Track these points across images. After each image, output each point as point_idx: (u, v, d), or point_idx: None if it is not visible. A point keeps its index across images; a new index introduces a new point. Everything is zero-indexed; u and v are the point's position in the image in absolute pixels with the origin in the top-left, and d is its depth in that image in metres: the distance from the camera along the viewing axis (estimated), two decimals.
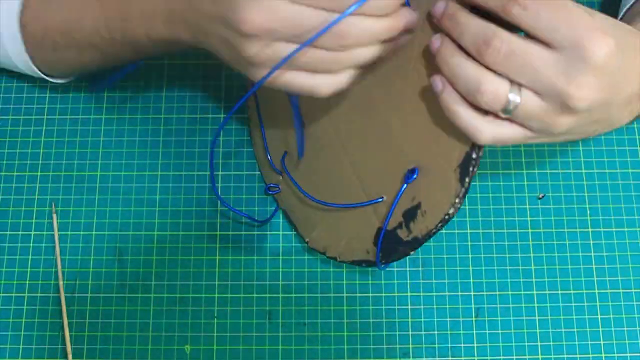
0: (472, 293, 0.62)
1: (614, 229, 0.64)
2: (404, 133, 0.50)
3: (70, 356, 0.60)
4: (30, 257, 0.63)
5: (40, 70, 0.61)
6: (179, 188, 0.65)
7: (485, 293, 0.62)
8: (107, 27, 0.54)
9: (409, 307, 0.62)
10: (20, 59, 0.60)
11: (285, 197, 0.63)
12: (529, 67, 0.40)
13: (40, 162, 0.66)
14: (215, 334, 0.61)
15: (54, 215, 0.64)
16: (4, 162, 0.66)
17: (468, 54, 0.42)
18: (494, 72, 0.41)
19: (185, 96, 0.68)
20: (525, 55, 0.40)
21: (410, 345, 0.61)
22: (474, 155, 0.45)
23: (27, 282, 0.63)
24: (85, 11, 0.55)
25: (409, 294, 0.62)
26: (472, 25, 0.42)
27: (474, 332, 0.61)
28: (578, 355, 0.61)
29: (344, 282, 0.63)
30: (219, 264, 0.63)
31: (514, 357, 0.61)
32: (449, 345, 0.61)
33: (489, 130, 0.43)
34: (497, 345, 0.61)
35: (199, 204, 0.65)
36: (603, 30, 0.39)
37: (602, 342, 0.61)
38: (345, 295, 0.62)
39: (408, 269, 0.63)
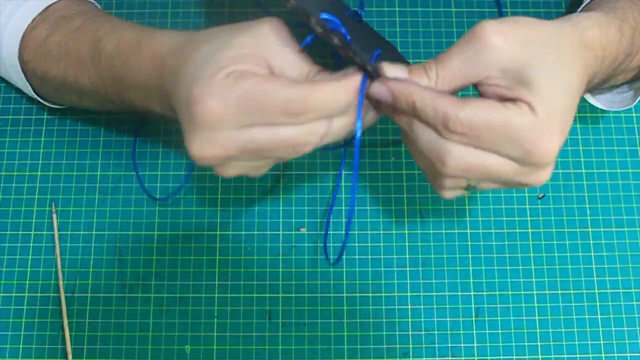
0: (472, 293, 0.62)
1: (614, 229, 0.64)
2: None
3: (70, 356, 0.60)
4: (30, 257, 0.63)
5: (41, 98, 0.62)
6: (179, 188, 0.65)
7: (485, 293, 0.62)
8: (104, 90, 0.54)
9: (409, 307, 0.62)
10: (23, 84, 0.61)
11: None
12: (486, 175, 0.42)
13: (40, 162, 0.66)
14: (215, 334, 0.61)
15: (54, 215, 0.64)
16: (4, 162, 0.66)
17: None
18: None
19: None
20: (480, 167, 0.41)
21: (410, 345, 0.61)
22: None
23: (27, 282, 0.63)
24: (82, 71, 0.55)
25: (409, 294, 0.62)
26: (425, 147, 0.42)
27: (474, 332, 0.61)
28: (578, 355, 0.61)
29: (344, 282, 0.63)
30: (219, 264, 0.63)
31: (514, 357, 0.61)
32: (449, 345, 0.61)
33: (454, 194, 0.46)
34: (497, 345, 0.61)
35: (199, 203, 0.65)
36: (548, 131, 0.40)
37: (602, 342, 0.61)
38: (345, 295, 0.62)
39: (408, 269, 0.63)
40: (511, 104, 0.40)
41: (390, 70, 0.42)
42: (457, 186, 0.44)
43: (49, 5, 0.58)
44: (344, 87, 0.41)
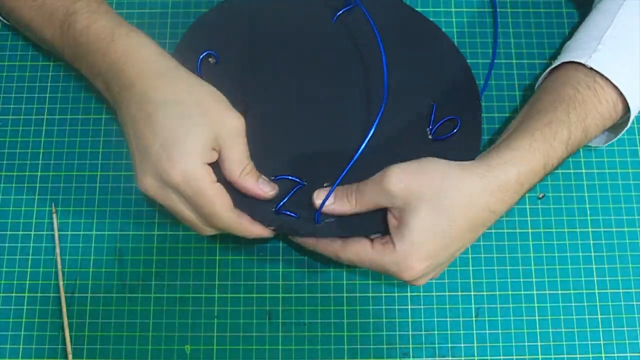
0: (472, 293, 0.62)
1: (614, 229, 0.64)
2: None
3: (70, 356, 0.60)
4: (30, 257, 0.63)
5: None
6: None
7: (485, 293, 0.62)
8: (62, 50, 0.59)
9: (409, 307, 0.62)
10: None
11: None
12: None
13: (40, 162, 0.66)
14: (215, 334, 0.61)
15: (54, 215, 0.64)
16: (4, 162, 0.66)
17: None
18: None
19: None
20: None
21: (410, 345, 0.61)
22: None
23: (27, 282, 0.63)
24: (48, 29, 0.59)
25: (409, 294, 0.62)
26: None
27: (474, 332, 0.61)
28: (578, 355, 0.61)
29: (344, 282, 0.63)
30: (219, 264, 0.63)
31: (514, 357, 0.61)
32: (449, 345, 0.61)
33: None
34: (497, 345, 0.61)
35: None
36: (405, 265, 0.51)
37: (602, 342, 0.61)
38: (345, 295, 0.62)
39: None
40: (380, 244, 0.52)
41: (317, 200, 0.54)
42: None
43: None
44: (261, 232, 0.55)
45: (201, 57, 0.60)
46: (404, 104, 0.61)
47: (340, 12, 0.64)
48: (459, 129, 0.60)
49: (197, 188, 0.51)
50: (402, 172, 0.51)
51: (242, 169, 0.54)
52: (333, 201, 0.54)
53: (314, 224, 0.55)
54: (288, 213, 0.55)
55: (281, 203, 0.55)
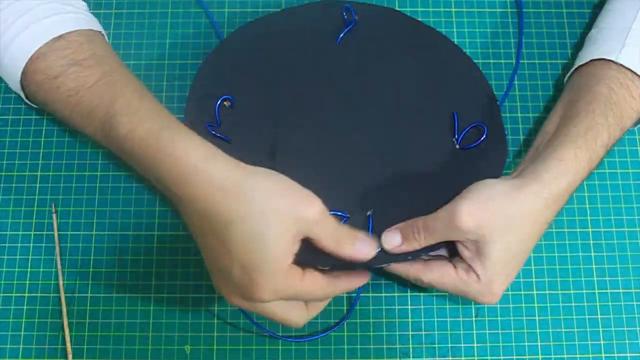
0: None
1: (614, 229, 0.64)
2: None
3: (70, 356, 0.60)
4: (30, 257, 0.63)
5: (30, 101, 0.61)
6: None
7: None
8: (107, 147, 0.55)
9: (409, 307, 0.62)
10: (15, 88, 0.59)
11: None
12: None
13: (40, 162, 0.66)
14: (215, 334, 0.61)
15: (54, 215, 0.64)
16: (4, 162, 0.66)
17: None
18: None
19: (185, 96, 0.68)
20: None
21: (410, 345, 0.61)
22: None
23: (27, 282, 0.63)
24: (90, 126, 0.55)
25: (409, 294, 0.62)
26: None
27: (474, 332, 0.61)
28: (578, 355, 0.61)
29: None
30: None
31: (514, 357, 0.61)
32: (449, 345, 0.61)
33: None
34: (497, 345, 0.61)
35: None
36: (489, 292, 0.54)
37: (602, 342, 0.61)
38: (345, 295, 0.62)
39: None
40: (464, 271, 0.54)
41: (387, 245, 0.54)
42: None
43: (61, 35, 0.56)
44: (361, 281, 0.55)
45: (218, 103, 0.58)
46: (425, 116, 0.61)
47: (343, 32, 0.64)
48: (486, 135, 0.60)
49: (292, 294, 0.49)
50: (472, 208, 0.52)
51: (335, 242, 0.50)
52: (400, 243, 0.54)
53: None
54: None
55: None
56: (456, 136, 0.60)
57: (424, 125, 0.61)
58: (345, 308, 0.62)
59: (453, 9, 0.71)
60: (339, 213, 0.56)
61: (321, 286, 0.51)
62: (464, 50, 0.66)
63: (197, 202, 0.48)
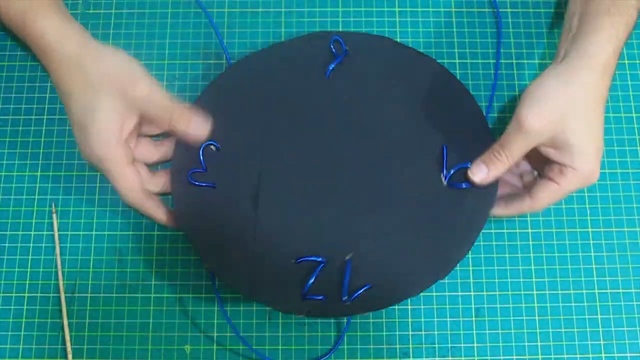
0: (472, 293, 0.62)
1: (614, 229, 0.64)
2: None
3: (70, 356, 0.60)
4: (30, 257, 0.63)
5: None
6: None
7: (485, 293, 0.62)
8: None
9: (409, 307, 0.62)
10: None
11: None
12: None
13: (40, 162, 0.66)
14: (215, 334, 0.61)
15: (54, 215, 0.64)
16: (4, 162, 0.66)
17: None
18: None
19: (185, 96, 0.68)
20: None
21: (410, 345, 0.61)
22: None
23: (27, 282, 0.63)
24: None
25: None
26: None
27: (474, 332, 0.61)
28: (578, 355, 0.61)
29: None
30: None
31: (514, 357, 0.61)
32: (449, 345, 0.61)
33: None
34: (497, 345, 0.61)
35: None
36: (591, 174, 0.55)
37: (602, 342, 0.61)
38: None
39: None
40: (562, 175, 0.55)
41: (474, 177, 0.57)
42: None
43: None
44: (165, 221, 0.59)
45: (202, 147, 0.59)
46: (415, 149, 0.60)
47: (332, 65, 0.62)
48: None
49: (107, 169, 0.55)
50: (532, 109, 0.54)
51: (168, 117, 0.56)
52: (487, 171, 0.57)
53: (342, 302, 0.55)
54: (315, 297, 0.55)
55: (307, 286, 0.55)
56: (444, 172, 0.59)
57: (413, 160, 0.60)
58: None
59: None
60: (313, 258, 0.56)
61: (127, 184, 0.56)
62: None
63: (52, 74, 0.57)
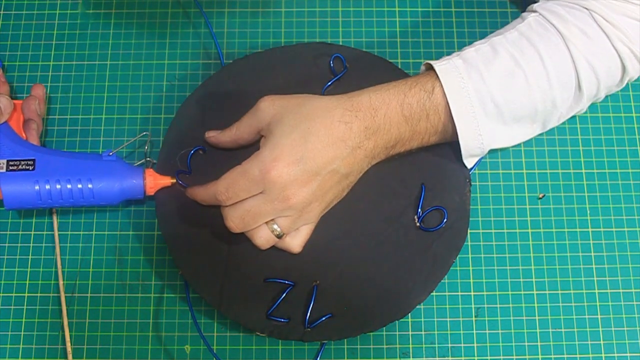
0: (472, 293, 0.62)
1: (614, 229, 0.64)
2: None
3: (70, 356, 0.60)
4: (30, 257, 0.63)
5: None
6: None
7: (485, 293, 0.62)
8: None
9: None
10: None
11: None
12: (257, 215, 0.54)
13: None
14: (215, 334, 0.61)
15: (54, 216, 0.64)
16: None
17: None
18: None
19: (184, 96, 0.68)
20: (248, 213, 0.54)
21: (410, 345, 0.61)
22: None
23: (27, 282, 0.63)
24: None
25: None
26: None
27: (474, 332, 0.61)
28: (578, 355, 0.61)
29: None
30: None
31: (514, 357, 0.61)
32: (449, 345, 0.61)
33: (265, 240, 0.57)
34: (497, 345, 0.61)
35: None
36: (270, 159, 0.53)
37: (602, 342, 0.61)
38: None
39: None
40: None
41: (210, 135, 0.61)
42: (260, 235, 0.56)
43: None
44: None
45: (192, 152, 0.61)
46: (395, 184, 0.61)
47: (329, 83, 0.63)
48: (447, 218, 0.60)
49: None
50: (273, 98, 0.57)
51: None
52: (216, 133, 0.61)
53: (304, 327, 0.57)
54: (278, 319, 0.57)
55: (273, 307, 0.57)
56: (419, 212, 0.60)
57: (391, 196, 0.61)
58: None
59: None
60: (285, 281, 0.58)
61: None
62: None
63: None
